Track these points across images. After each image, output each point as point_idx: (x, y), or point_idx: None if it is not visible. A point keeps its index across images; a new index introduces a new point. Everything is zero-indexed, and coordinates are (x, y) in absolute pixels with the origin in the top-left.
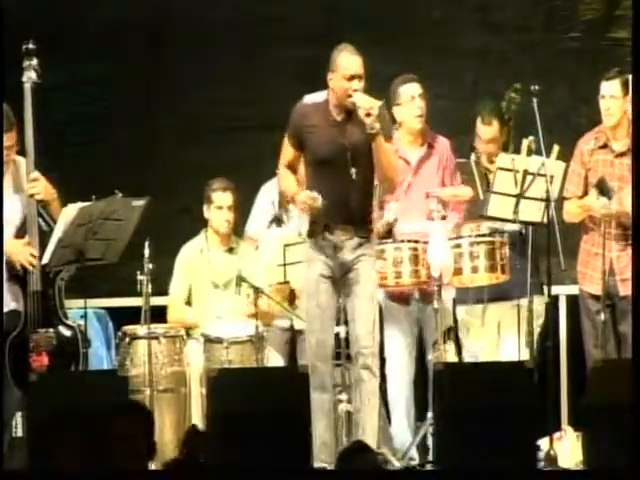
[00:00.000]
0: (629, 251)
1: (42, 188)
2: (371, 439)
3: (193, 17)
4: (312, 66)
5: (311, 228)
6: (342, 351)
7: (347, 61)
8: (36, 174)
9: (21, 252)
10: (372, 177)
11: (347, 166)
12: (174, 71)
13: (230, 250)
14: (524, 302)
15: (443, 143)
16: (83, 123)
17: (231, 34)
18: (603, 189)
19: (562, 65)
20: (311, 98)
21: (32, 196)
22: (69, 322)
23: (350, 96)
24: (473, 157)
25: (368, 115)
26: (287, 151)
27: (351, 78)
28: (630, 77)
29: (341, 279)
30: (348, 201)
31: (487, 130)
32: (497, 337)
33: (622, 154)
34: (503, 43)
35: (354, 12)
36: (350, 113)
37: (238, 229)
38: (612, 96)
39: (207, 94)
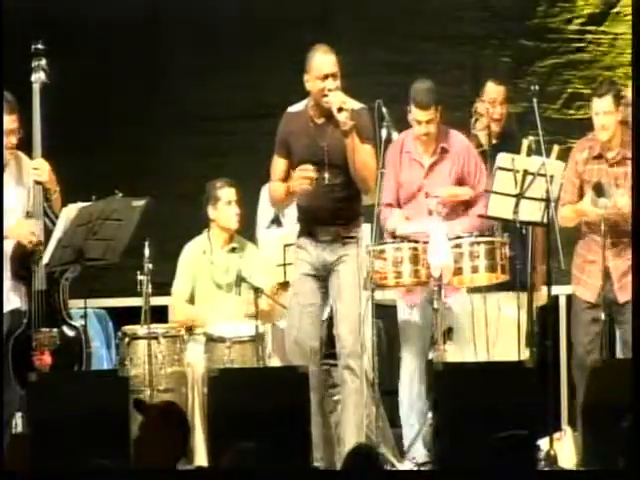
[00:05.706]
0: (626, 257)
1: (46, 174)
2: (351, 437)
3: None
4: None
5: (300, 228)
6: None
7: (320, 61)
8: (40, 160)
9: (23, 230)
10: None
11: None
12: (174, 69)
13: (232, 250)
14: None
15: (459, 145)
16: (83, 123)
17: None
18: (600, 192)
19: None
20: (294, 107)
21: (38, 183)
22: (73, 322)
23: (326, 96)
24: None
25: (340, 110)
26: (277, 164)
27: (325, 77)
28: (620, 88)
29: (326, 280)
30: (331, 202)
31: (499, 90)
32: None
33: (616, 162)
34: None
35: None
36: (330, 116)
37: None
38: (606, 112)
39: (208, 91)
